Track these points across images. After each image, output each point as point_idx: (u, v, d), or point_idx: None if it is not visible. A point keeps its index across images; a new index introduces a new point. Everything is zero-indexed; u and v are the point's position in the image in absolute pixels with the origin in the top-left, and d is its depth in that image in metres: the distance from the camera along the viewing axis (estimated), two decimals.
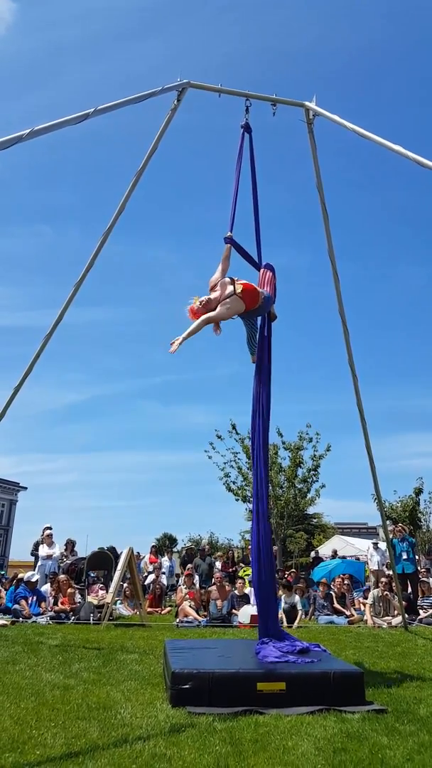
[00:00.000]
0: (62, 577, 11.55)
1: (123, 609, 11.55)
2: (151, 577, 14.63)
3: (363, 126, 6.36)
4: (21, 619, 10.08)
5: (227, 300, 6.12)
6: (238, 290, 6.16)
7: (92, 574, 12.08)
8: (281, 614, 10.78)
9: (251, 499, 24.74)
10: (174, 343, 5.81)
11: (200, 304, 6.10)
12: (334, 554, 19.71)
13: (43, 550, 13.47)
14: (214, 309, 6.10)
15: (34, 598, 10.82)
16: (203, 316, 6.02)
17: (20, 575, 12.26)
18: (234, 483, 25.00)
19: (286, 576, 13.92)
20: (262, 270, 6.86)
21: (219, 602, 11.04)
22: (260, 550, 6.16)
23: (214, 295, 6.19)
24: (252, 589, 12.14)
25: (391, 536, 11.79)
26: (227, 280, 6.29)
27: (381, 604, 11.21)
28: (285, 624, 10.46)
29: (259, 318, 6.78)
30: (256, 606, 10.92)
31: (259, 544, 6.16)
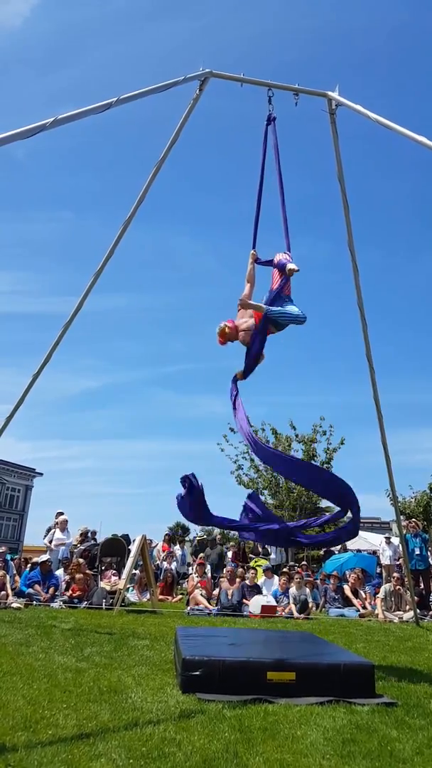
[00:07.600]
0: (81, 561, 11.66)
1: (131, 596, 11.61)
2: (165, 564, 14.69)
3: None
4: (34, 602, 10.20)
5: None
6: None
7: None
8: (291, 606, 10.84)
9: (263, 491, 24.80)
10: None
11: (228, 329, 6.26)
12: (344, 548, 19.64)
13: (57, 536, 13.59)
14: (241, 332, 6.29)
15: (46, 584, 10.83)
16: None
17: (34, 559, 12.38)
18: (246, 475, 24.95)
19: (296, 568, 13.95)
20: None
21: (230, 591, 11.11)
22: None
23: (241, 321, 6.32)
24: (264, 579, 12.24)
25: (404, 532, 11.75)
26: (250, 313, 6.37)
27: (392, 599, 11.19)
28: (295, 615, 10.52)
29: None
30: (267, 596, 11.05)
31: None
